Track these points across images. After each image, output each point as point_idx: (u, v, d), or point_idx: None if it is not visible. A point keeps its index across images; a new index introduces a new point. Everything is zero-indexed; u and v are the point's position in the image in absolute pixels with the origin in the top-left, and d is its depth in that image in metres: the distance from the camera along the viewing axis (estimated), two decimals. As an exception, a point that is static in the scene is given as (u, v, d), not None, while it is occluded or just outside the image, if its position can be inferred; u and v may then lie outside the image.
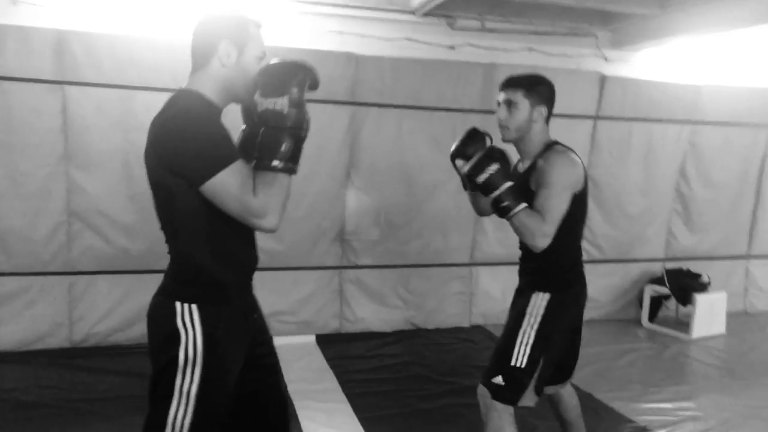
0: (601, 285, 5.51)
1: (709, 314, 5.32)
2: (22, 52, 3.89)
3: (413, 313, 5.07)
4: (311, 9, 4.52)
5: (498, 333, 4.91)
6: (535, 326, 2.34)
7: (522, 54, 5.24)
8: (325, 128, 4.44)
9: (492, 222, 5.16)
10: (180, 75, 4.12)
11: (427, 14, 4.91)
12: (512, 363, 2.32)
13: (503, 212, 2.21)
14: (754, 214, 5.98)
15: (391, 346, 4.67)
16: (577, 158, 2.35)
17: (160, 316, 1.78)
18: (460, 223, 5.09)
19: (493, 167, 2.18)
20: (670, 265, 5.68)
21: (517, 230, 2.24)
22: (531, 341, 2.32)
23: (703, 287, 5.40)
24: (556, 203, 2.20)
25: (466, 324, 5.22)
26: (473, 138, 2.51)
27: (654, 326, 5.48)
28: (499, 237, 5.17)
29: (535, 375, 2.35)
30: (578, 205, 2.33)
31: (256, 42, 1.79)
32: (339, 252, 4.82)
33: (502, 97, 2.35)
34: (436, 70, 4.77)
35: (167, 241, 1.81)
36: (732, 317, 5.57)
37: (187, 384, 1.73)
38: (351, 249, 4.86)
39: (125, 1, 4.21)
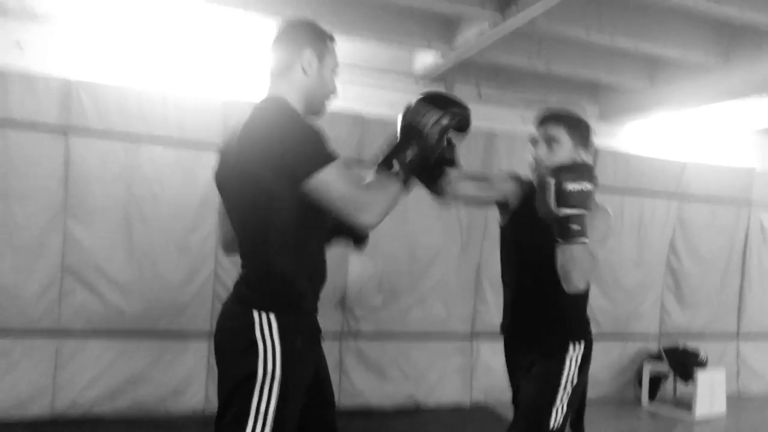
0: (600, 363, 5.55)
1: (709, 392, 5.37)
2: (27, 99, 3.93)
3: (413, 387, 4.97)
4: None
5: (500, 411, 5.02)
6: (574, 380, 2.18)
7: (516, 123, 5.66)
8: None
9: (493, 291, 5.27)
10: (187, 130, 4.37)
11: (427, 81, 5.30)
12: (551, 426, 2.14)
13: (568, 234, 1.97)
14: (741, 292, 6.19)
15: (391, 426, 4.55)
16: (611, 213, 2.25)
17: (236, 327, 1.75)
18: (462, 291, 5.13)
19: (588, 186, 1.97)
20: (665, 342, 5.78)
21: (569, 261, 1.99)
22: (569, 398, 2.17)
23: (702, 364, 5.47)
24: (599, 252, 2.09)
25: (467, 400, 5.15)
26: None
27: (654, 406, 5.49)
28: (499, 306, 5.19)
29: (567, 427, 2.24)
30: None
31: (333, 55, 1.90)
32: (340, 318, 4.77)
33: (541, 132, 2.19)
34: (439, 137, 5.06)
35: (244, 251, 1.82)
36: (728, 399, 5.55)
37: (265, 402, 1.69)
38: (352, 315, 4.82)
39: (135, 54, 4.37)
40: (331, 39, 1.91)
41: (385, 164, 1.74)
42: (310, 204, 1.72)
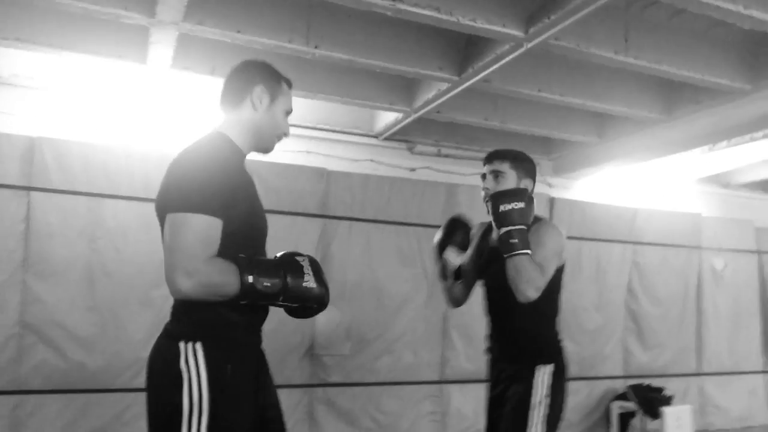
0: (569, 404, 5.43)
1: (677, 428, 5.29)
2: None
3: None
4: None
5: None
6: (546, 400, 2.25)
7: (475, 178, 5.81)
8: (295, 240, 4.39)
9: (461, 337, 5.20)
10: (153, 184, 4.31)
11: (388, 138, 5.45)
12: None
13: (509, 248, 2.17)
14: (698, 332, 6.22)
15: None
16: (563, 232, 2.38)
17: (161, 360, 1.66)
18: (429, 338, 5.03)
19: (520, 204, 2.17)
20: (630, 382, 5.74)
21: (514, 271, 2.16)
22: (544, 421, 2.23)
23: (667, 401, 5.45)
24: (549, 264, 2.23)
25: None
26: (457, 225, 2.61)
27: None
28: (468, 353, 5.10)
29: None
30: (559, 277, 2.35)
31: (286, 97, 1.88)
32: (308, 369, 4.62)
33: (487, 168, 2.41)
34: (402, 188, 4.97)
35: None
36: None
37: None
38: (321, 365, 4.66)
39: (99, 111, 4.27)
40: (288, 83, 1.90)
41: (246, 266, 1.62)
42: (232, 236, 1.64)
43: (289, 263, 1.71)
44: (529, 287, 2.16)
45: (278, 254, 1.79)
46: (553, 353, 2.38)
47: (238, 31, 3.29)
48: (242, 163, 1.80)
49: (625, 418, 5.68)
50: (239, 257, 1.63)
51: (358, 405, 4.84)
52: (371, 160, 5.24)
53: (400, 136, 5.22)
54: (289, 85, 1.92)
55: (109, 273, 4.10)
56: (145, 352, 4.16)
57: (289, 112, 1.90)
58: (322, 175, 4.74)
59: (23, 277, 3.93)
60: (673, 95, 4.48)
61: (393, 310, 4.96)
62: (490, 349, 2.52)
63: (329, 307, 4.96)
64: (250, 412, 1.71)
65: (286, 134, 1.92)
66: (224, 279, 1.58)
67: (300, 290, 1.69)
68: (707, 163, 5.76)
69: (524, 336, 2.38)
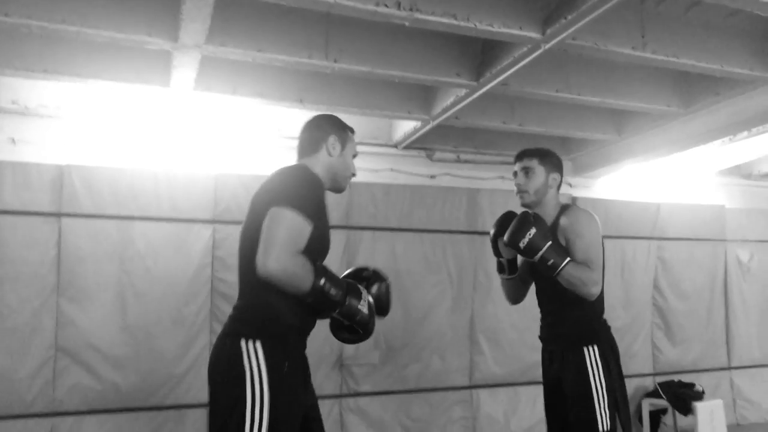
0: None
1: (710, 423, 5.22)
2: (20, 187, 3.89)
3: None
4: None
5: None
6: (603, 382, 2.38)
7: (495, 182, 5.84)
8: (321, 253, 4.65)
9: (488, 341, 5.20)
10: (179, 204, 4.47)
11: (407, 147, 5.47)
12: (600, 429, 2.33)
13: (551, 270, 2.33)
14: (727, 325, 6.14)
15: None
16: (594, 214, 2.56)
17: (225, 357, 1.86)
18: (457, 344, 5.02)
19: (533, 230, 2.34)
20: (660, 379, 5.70)
21: (568, 283, 2.34)
22: (606, 399, 2.35)
23: (699, 396, 5.38)
24: (595, 252, 2.41)
25: None
26: (509, 219, 2.61)
27: None
28: (496, 357, 5.11)
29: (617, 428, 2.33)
30: (603, 255, 2.51)
31: (353, 143, 2.21)
32: (338, 379, 4.63)
33: (518, 166, 2.61)
34: (423, 195, 4.98)
35: (240, 287, 1.99)
36: (728, 429, 5.46)
37: (257, 425, 1.77)
38: (350, 375, 4.68)
39: (125, 136, 4.36)
40: (352, 131, 2.22)
41: (321, 271, 1.85)
42: (310, 244, 1.87)
43: (352, 287, 1.95)
44: (588, 287, 2.35)
45: (347, 271, 2.15)
46: (599, 334, 2.49)
47: (259, 50, 3.33)
48: (324, 190, 2.08)
49: (656, 415, 5.62)
50: (316, 263, 1.86)
51: (389, 413, 4.84)
52: (391, 170, 5.26)
53: (418, 144, 5.24)
54: (353, 132, 2.24)
55: (140, 293, 4.15)
56: (178, 370, 4.28)
57: (355, 155, 2.22)
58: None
59: (56, 301, 3.99)
60: (691, 88, 4.46)
61: (420, 318, 4.96)
62: (541, 336, 2.71)
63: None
64: (302, 406, 1.92)
65: (354, 174, 2.22)
66: (304, 274, 1.81)
67: (353, 310, 1.91)
68: (728, 154, 5.71)
69: (571, 319, 2.52)
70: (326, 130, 2.15)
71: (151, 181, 4.24)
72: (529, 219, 2.39)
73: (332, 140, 2.13)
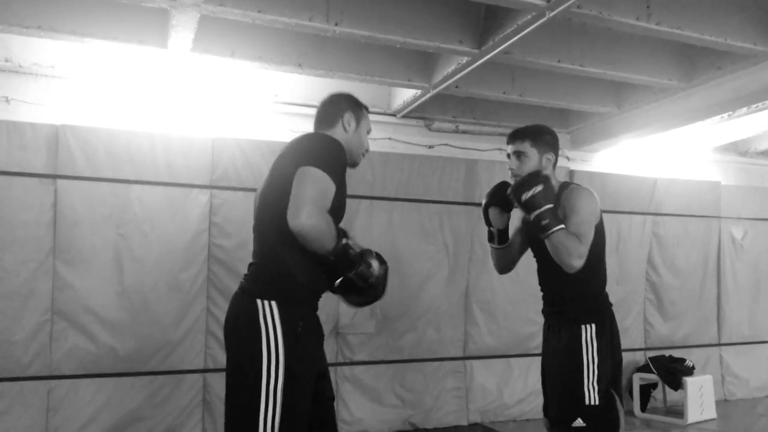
0: None
1: (699, 398, 5.34)
2: (15, 147, 3.83)
3: (410, 411, 4.86)
4: (296, 110, 4.72)
5: (497, 430, 5.10)
6: (596, 358, 2.37)
7: (493, 153, 5.83)
8: (317, 221, 4.64)
9: (483, 313, 5.19)
10: (176, 169, 4.43)
11: (406, 116, 5.43)
12: (587, 403, 2.33)
13: (543, 230, 2.33)
14: (718, 302, 6.21)
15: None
16: (593, 192, 2.52)
17: (243, 314, 1.93)
18: (452, 315, 5.06)
19: (539, 188, 2.33)
20: (651, 354, 5.78)
21: (554, 249, 2.33)
22: (596, 375, 2.35)
23: (689, 371, 5.47)
24: (587, 228, 2.36)
25: (464, 422, 5.02)
26: (503, 189, 2.60)
27: (647, 415, 5.44)
28: (490, 329, 5.15)
29: (617, 406, 2.37)
30: (599, 235, 2.47)
31: (367, 120, 2.28)
32: (334, 347, 4.64)
33: (510, 149, 2.54)
34: (421, 165, 4.97)
35: (256, 248, 2.04)
36: (716, 404, 5.55)
37: (273, 381, 1.84)
38: (346, 344, 4.71)
39: (122, 97, 4.30)
40: (367, 109, 2.30)
41: (343, 232, 1.98)
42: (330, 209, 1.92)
43: (368, 251, 2.03)
44: (572, 258, 2.31)
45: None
46: (597, 315, 2.48)
47: (259, 11, 3.28)
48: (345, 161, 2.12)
49: (647, 389, 5.70)
50: (338, 226, 1.95)
51: (383, 382, 4.89)
52: (390, 138, 5.24)
53: (417, 113, 5.21)
54: (368, 110, 2.31)
55: (136, 258, 4.14)
56: (175, 335, 4.29)
57: (369, 131, 2.29)
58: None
59: (53, 264, 3.97)
60: (693, 62, 4.44)
61: (416, 288, 4.99)
62: (543, 310, 2.68)
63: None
64: (316, 364, 1.99)
65: (368, 150, 2.31)
66: (330, 232, 1.88)
67: (368, 271, 1.98)
68: (725, 131, 5.72)
69: (570, 296, 2.51)
70: (342, 107, 2.22)
71: (148, 143, 4.20)
72: (539, 177, 2.39)
73: (348, 116, 2.20)
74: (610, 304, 2.60)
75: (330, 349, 4.71)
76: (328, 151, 1.98)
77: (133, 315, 4.10)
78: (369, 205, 4.85)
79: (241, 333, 1.92)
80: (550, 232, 2.32)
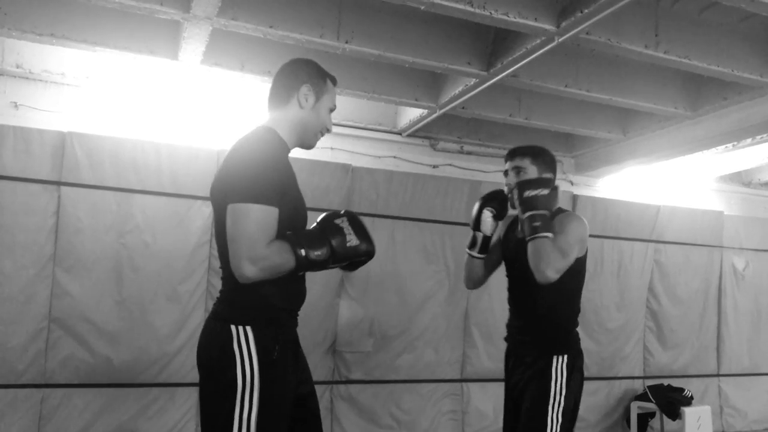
0: (588, 403, 5.59)
1: (697, 429, 5.31)
2: (20, 152, 3.85)
3: None
4: None
5: None
6: (563, 391, 2.34)
7: (497, 175, 5.85)
8: (319, 237, 4.64)
9: (481, 335, 5.14)
10: (180, 179, 4.45)
11: (411, 135, 5.44)
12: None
13: (532, 231, 2.29)
14: (718, 332, 6.19)
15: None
16: (586, 221, 2.47)
17: (216, 342, 1.79)
18: (451, 336, 5.04)
19: (544, 191, 2.33)
20: (649, 382, 5.73)
21: (535, 252, 2.26)
22: (562, 406, 2.31)
23: (688, 401, 5.45)
24: (570, 249, 2.30)
25: None
26: (497, 196, 2.62)
27: None
28: (489, 351, 5.11)
29: None
30: (581, 266, 2.43)
31: (331, 95, 1.98)
32: (331, 365, 4.64)
33: (509, 165, 2.53)
34: (425, 184, 4.99)
35: (224, 271, 1.85)
36: None
37: (246, 410, 1.74)
38: (343, 362, 4.69)
39: (129, 106, 4.33)
40: (333, 80, 2.00)
41: (296, 242, 1.76)
42: (282, 222, 1.76)
43: (331, 228, 1.84)
44: (549, 268, 2.24)
45: (318, 219, 1.90)
46: (568, 344, 2.45)
47: (271, 27, 3.32)
48: (287, 157, 1.92)
49: (644, 418, 5.67)
50: (288, 235, 1.77)
51: (379, 402, 4.86)
52: (394, 157, 5.27)
53: (423, 132, 5.25)
54: (334, 82, 2.01)
55: (136, 268, 4.13)
56: (171, 347, 4.27)
57: (332, 109, 2.00)
58: (347, 171, 4.77)
59: (52, 271, 3.97)
60: (699, 91, 4.48)
61: (415, 307, 4.98)
62: (508, 338, 2.64)
63: (353, 304, 5.01)
64: (293, 386, 1.87)
65: (328, 130, 2.02)
66: (283, 258, 1.73)
67: (346, 250, 1.83)
68: (729, 161, 5.75)
69: (543, 325, 2.46)
70: (300, 77, 1.92)
71: (153, 153, 4.22)
72: (550, 183, 2.40)
73: (305, 90, 1.91)
74: (578, 336, 2.52)
75: (326, 367, 4.69)
76: (257, 169, 1.73)
77: (131, 325, 4.09)
78: (371, 223, 4.82)
79: (214, 360, 1.80)
80: (538, 234, 2.28)
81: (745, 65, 3.77)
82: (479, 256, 2.64)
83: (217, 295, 1.91)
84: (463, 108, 4.56)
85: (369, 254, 1.90)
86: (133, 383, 4.10)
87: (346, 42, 3.49)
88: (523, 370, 2.46)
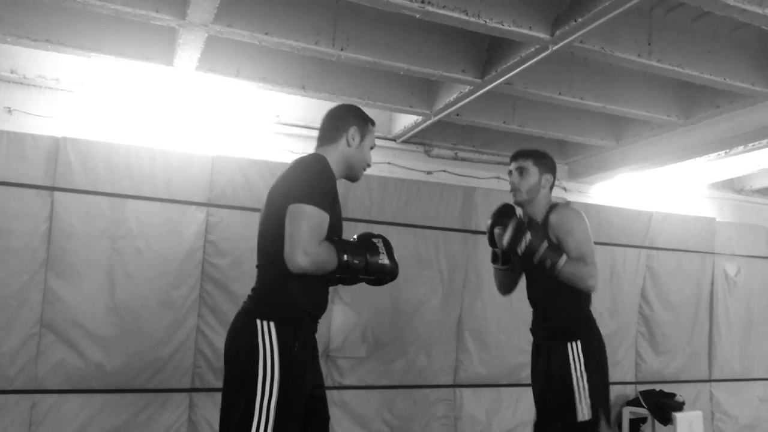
0: None
1: None
2: (14, 157, 3.82)
3: None
4: (297, 131, 4.80)
5: None
6: (585, 374, 2.48)
7: (491, 182, 5.87)
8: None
9: (475, 341, 5.14)
10: (174, 185, 4.43)
11: (406, 141, 5.47)
12: (579, 419, 2.42)
13: (551, 270, 2.47)
14: (710, 338, 6.21)
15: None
16: (581, 211, 2.70)
17: (241, 334, 2.03)
18: (444, 342, 5.03)
19: (528, 235, 2.49)
20: (641, 387, 5.75)
21: (568, 280, 2.48)
22: (587, 390, 2.45)
23: (679, 406, 5.46)
24: (588, 247, 2.55)
25: None
26: (506, 211, 2.76)
27: None
28: (481, 357, 5.13)
29: (602, 421, 2.44)
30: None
31: (372, 136, 2.32)
32: (324, 371, 4.64)
33: (513, 166, 2.75)
34: (419, 191, 4.98)
35: (259, 272, 2.12)
36: None
37: (267, 398, 1.92)
38: (336, 367, 4.68)
39: (124, 112, 4.32)
40: (373, 123, 2.33)
41: (341, 247, 2.05)
42: (327, 233, 2.02)
43: (368, 244, 2.15)
44: (587, 282, 2.50)
45: (356, 236, 2.23)
46: (583, 330, 2.61)
47: (266, 33, 3.32)
48: (335, 180, 2.20)
49: (636, 423, 5.68)
50: (334, 240, 2.07)
51: (372, 408, 4.85)
52: (389, 163, 5.27)
53: (417, 139, 5.26)
54: (374, 124, 2.33)
55: (129, 273, 4.11)
56: (163, 353, 4.25)
57: (373, 147, 2.32)
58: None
59: (45, 277, 3.94)
60: (692, 99, 4.51)
61: (409, 313, 4.97)
62: (532, 329, 2.82)
63: (346, 309, 5.01)
64: (309, 383, 2.06)
65: (369, 165, 2.34)
66: (330, 257, 2.00)
67: (377, 266, 2.12)
68: (722, 168, 5.80)
69: (557, 315, 2.65)
70: (348, 120, 2.25)
71: (148, 159, 4.20)
72: (522, 225, 2.52)
73: (353, 131, 2.23)
74: (594, 321, 2.70)
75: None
76: (316, 180, 2.04)
77: (123, 331, 4.06)
78: (366, 229, 4.82)
79: (239, 350, 2.01)
80: (558, 268, 2.46)
81: (737, 74, 3.80)
82: (503, 267, 2.85)
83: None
84: (457, 115, 4.58)
85: (393, 275, 2.18)
86: (126, 389, 4.06)
87: (342, 49, 3.49)
88: (546, 360, 2.64)
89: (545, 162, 2.74)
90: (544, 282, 2.58)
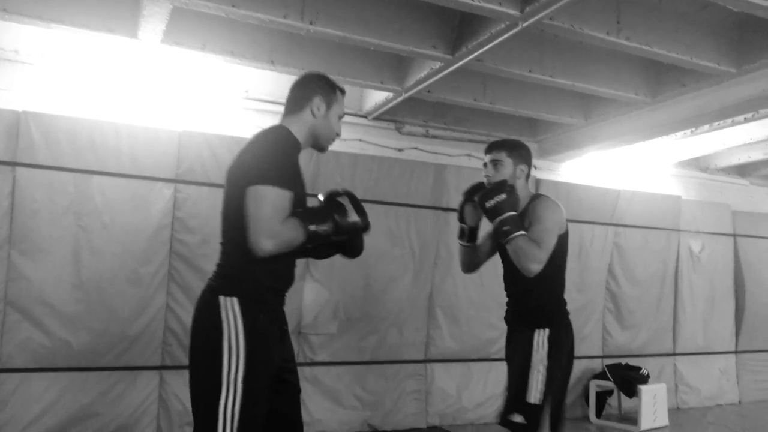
0: None
1: (653, 406, 5.48)
2: None
3: (370, 413, 4.87)
4: (266, 107, 4.73)
5: None
6: (544, 361, 2.50)
7: (462, 159, 5.90)
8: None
9: (445, 317, 5.21)
10: (140, 161, 4.36)
11: (377, 118, 5.45)
12: (529, 401, 2.45)
13: (504, 235, 2.45)
14: (675, 313, 6.38)
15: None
16: (560, 204, 2.66)
17: (204, 310, 2.01)
18: (415, 318, 5.09)
19: (503, 196, 2.47)
20: (608, 362, 5.90)
21: (514, 253, 2.45)
22: (544, 377, 2.47)
23: (644, 379, 5.61)
24: (548, 237, 2.49)
25: (423, 425, 5.05)
26: (479, 189, 2.70)
27: (601, 422, 5.56)
28: (452, 332, 5.21)
29: (547, 410, 2.46)
30: (562, 244, 2.60)
31: (340, 105, 2.23)
32: (296, 348, 4.54)
33: (488, 158, 2.70)
34: (390, 168, 4.99)
35: (222, 249, 2.08)
36: (669, 412, 5.70)
37: (233, 371, 1.91)
38: (308, 344, 4.70)
39: (88, 86, 4.23)
40: (342, 91, 2.24)
41: (305, 216, 1.98)
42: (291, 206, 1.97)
43: (334, 205, 2.10)
44: (530, 263, 2.43)
45: (320, 196, 2.19)
46: (554, 320, 2.62)
47: (233, 5, 3.26)
48: (299, 150, 2.14)
49: (603, 396, 5.84)
50: (297, 212, 2.00)
51: (344, 383, 4.89)
52: (360, 140, 5.25)
53: (388, 116, 5.25)
54: (343, 92, 2.25)
55: (95, 250, 4.05)
56: (132, 331, 4.20)
57: (341, 116, 2.24)
58: (311, 154, 4.71)
59: (8, 254, 3.86)
60: (659, 78, 4.57)
61: (380, 290, 5.00)
62: (506, 317, 2.82)
63: (317, 286, 5.00)
64: (277, 357, 2.04)
65: (338, 135, 2.26)
66: (295, 233, 1.95)
67: (348, 226, 2.07)
68: (687, 147, 5.90)
69: (529, 302, 2.65)
70: (313, 89, 2.17)
71: (112, 134, 4.12)
72: (504, 186, 2.52)
73: (317, 101, 2.15)
74: (567, 313, 2.71)
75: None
76: (275, 156, 1.98)
77: (90, 308, 4.01)
78: (336, 206, 4.84)
79: (204, 327, 1.99)
80: (511, 237, 2.45)
81: (703, 53, 3.86)
82: (467, 244, 2.84)
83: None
84: (428, 92, 4.57)
85: (365, 228, 2.15)
86: (94, 367, 4.03)
87: (311, 23, 3.45)
88: (514, 344, 2.68)
89: (519, 152, 2.73)
90: (518, 274, 2.55)
